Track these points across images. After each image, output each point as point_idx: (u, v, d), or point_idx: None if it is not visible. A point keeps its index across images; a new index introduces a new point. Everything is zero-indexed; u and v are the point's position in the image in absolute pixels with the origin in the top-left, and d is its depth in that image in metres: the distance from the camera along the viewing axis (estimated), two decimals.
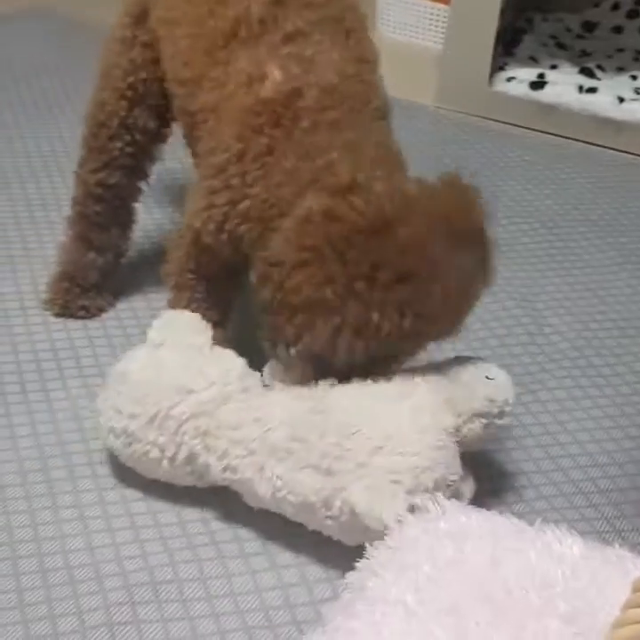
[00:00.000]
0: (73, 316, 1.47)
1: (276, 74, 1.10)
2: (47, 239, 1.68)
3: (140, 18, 1.34)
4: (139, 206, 1.51)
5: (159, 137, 1.44)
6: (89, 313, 1.47)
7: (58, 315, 1.47)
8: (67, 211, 1.75)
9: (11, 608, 0.99)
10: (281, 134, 1.08)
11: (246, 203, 1.09)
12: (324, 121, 1.08)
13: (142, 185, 1.48)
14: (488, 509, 0.95)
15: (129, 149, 1.41)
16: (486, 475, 1.20)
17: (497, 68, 2.29)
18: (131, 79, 1.37)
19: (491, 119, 2.23)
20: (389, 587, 0.83)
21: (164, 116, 1.39)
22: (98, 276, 1.48)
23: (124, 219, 1.49)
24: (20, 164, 1.94)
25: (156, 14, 1.29)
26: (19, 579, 1.02)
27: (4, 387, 1.31)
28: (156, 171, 1.53)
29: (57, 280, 1.49)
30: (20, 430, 1.23)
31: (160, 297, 1.37)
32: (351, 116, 1.10)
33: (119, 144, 1.40)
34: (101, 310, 1.48)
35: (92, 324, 1.46)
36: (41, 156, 1.98)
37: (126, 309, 1.50)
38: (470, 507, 0.94)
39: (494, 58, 2.24)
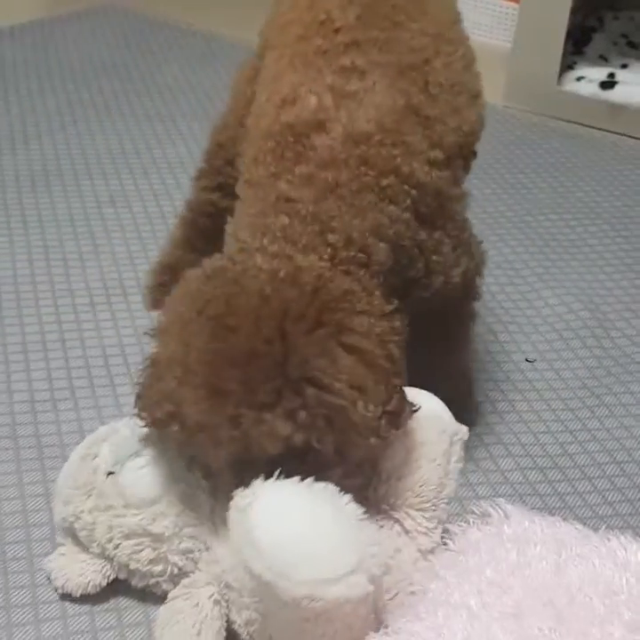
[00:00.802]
0: None
1: (311, 100, 1.02)
2: (116, 236, 1.71)
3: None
4: None
5: None
6: None
7: (154, 308, 1.45)
8: (136, 208, 1.80)
9: None
10: (274, 169, 0.99)
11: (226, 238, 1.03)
12: (320, 178, 0.97)
13: None
14: (552, 515, 0.95)
15: None
16: (549, 478, 1.20)
17: (566, 67, 2.26)
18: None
19: (559, 119, 2.21)
20: (452, 590, 0.83)
21: None
22: None
23: None
24: (91, 161, 1.97)
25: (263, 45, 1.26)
26: None
27: (72, 381, 1.34)
28: None
29: (158, 272, 1.50)
30: (87, 425, 1.25)
31: None
32: (350, 187, 0.97)
33: (234, 172, 1.24)
34: None
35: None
36: (110, 154, 2.01)
37: None
38: (534, 512, 0.93)
39: (563, 57, 2.22)
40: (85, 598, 1.01)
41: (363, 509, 0.87)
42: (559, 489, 1.19)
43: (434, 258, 1.05)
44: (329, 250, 0.94)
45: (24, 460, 1.19)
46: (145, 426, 0.96)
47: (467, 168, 1.14)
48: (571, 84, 2.24)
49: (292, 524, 0.83)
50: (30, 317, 1.47)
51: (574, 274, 1.63)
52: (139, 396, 0.97)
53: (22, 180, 1.88)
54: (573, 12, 2.17)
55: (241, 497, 0.84)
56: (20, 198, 1.82)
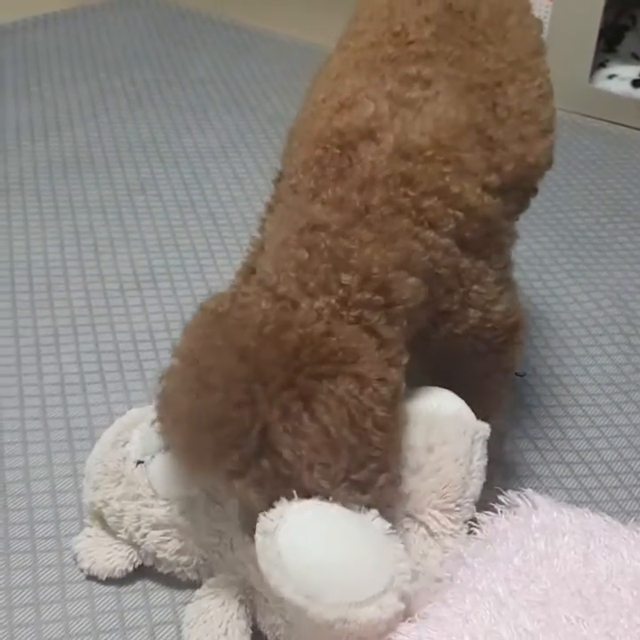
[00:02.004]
0: None
1: (368, 107, 0.97)
2: (146, 223, 1.72)
3: None
4: None
5: None
6: None
7: None
8: (166, 196, 1.81)
9: None
10: (314, 185, 0.94)
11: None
12: (351, 201, 0.91)
13: None
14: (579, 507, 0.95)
15: None
16: (576, 473, 1.20)
17: (598, 65, 2.25)
18: None
19: (590, 116, 2.20)
20: (479, 577, 0.83)
21: None
22: None
23: None
24: (122, 149, 1.98)
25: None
26: None
27: (102, 365, 1.35)
28: None
29: (244, 273, 1.47)
30: (116, 408, 1.26)
31: None
32: (381, 211, 0.91)
33: None
34: None
35: (189, 308, 1.49)
36: (141, 142, 2.02)
37: None
38: (562, 503, 0.93)
39: (596, 55, 2.21)
40: (112, 578, 1.02)
41: (389, 524, 0.86)
42: (585, 484, 1.19)
43: (474, 287, 0.97)
44: (341, 291, 0.87)
45: (53, 442, 1.20)
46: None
47: (524, 203, 1.09)
48: (602, 82, 2.23)
49: (321, 546, 0.82)
50: (61, 301, 1.48)
51: (604, 271, 1.63)
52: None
53: (54, 166, 1.90)
54: (606, 10, 2.16)
55: (267, 520, 0.82)
56: (53, 185, 1.83)
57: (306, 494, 0.83)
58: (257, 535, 0.83)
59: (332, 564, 0.81)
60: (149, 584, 1.02)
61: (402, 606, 0.82)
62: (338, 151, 0.95)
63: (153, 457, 0.99)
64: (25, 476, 1.14)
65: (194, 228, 1.71)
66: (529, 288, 1.57)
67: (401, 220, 0.91)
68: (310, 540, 0.82)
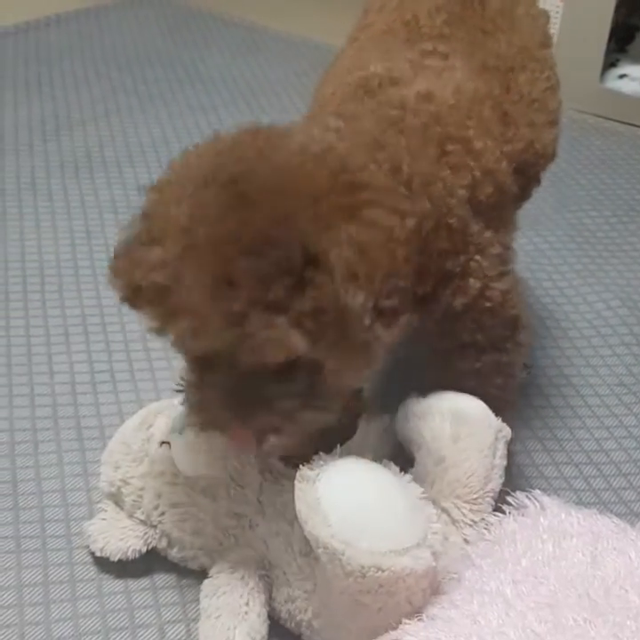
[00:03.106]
0: None
1: (386, 64, 0.99)
2: None
3: None
4: None
5: None
6: None
7: None
8: None
9: None
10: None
11: None
12: (387, 114, 0.92)
13: None
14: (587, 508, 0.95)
15: None
16: (585, 474, 1.20)
17: (609, 64, 2.25)
18: None
19: (601, 116, 2.20)
20: (488, 578, 0.84)
21: None
22: None
23: None
24: (133, 149, 1.99)
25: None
26: None
27: (112, 365, 1.36)
28: None
29: None
30: (126, 407, 1.26)
31: None
32: (415, 132, 0.92)
33: None
34: None
35: None
36: (153, 142, 2.02)
37: None
38: (570, 504, 0.93)
39: (606, 55, 2.21)
40: (122, 577, 1.03)
41: (422, 488, 0.89)
42: (594, 485, 1.19)
43: (477, 257, 0.97)
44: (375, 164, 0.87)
45: (64, 441, 1.21)
46: (118, 295, 0.87)
47: (527, 191, 1.09)
48: (613, 82, 2.23)
49: (360, 495, 0.84)
50: (72, 300, 1.49)
51: (613, 271, 1.63)
52: (116, 256, 0.87)
53: (66, 166, 1.91)
54: (617, 9, 2.16)
55: (308, 468, 0.85)
56: (64, 184, 1.84)
57: (339, 334, 0.79)
58: (296, 482, 0.85)
59: (370, 512, 0.83)
60: (159, 582, 1.02)
61: (433, 563, 0.83)
62: (363, 89, 0.96)
63: (180, 434, 1.00)
64: (36, 475, 1.15)
65: None
66: (538, 288, 1.57)
67: (432, 149, 0.92)
68: (350, 489, 0.85)
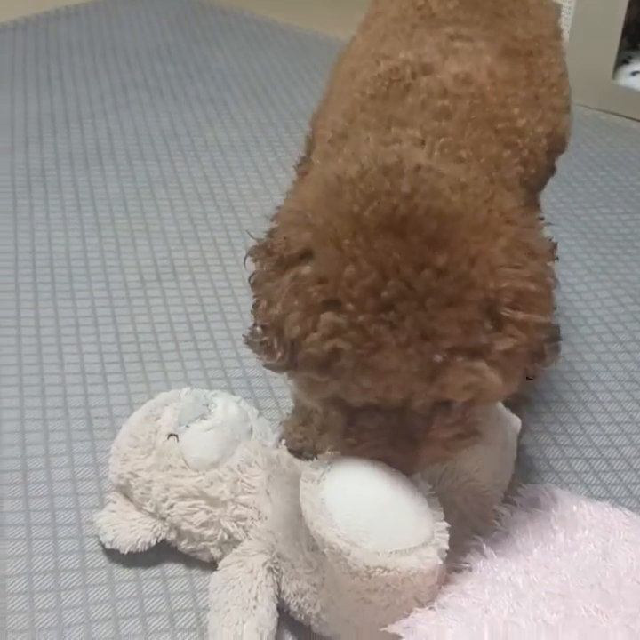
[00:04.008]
0: None
1: (415, 51, 0.98)
2: (166, 216, 1.72)
3: None
4: None
5: None
6: None
7: None
8: (187, 189, 1.81)
9: None
10: (377, 107, 0.94)
11: None
12: (436, 105, 0.91)
13: None
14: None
15: None
16: (595, 469, 1.19)
17: (621, 61, 2.24)
18: None
19: (613, 113, 2.19)
20: (499, 568, 0.83)
21: None
22: None
23: None
24: (143, 142, 1.99)
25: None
26: None
27: (122, 356, 1.35)
28: None
29: None
30: (136, 398, 1.26)
31: None
32: (469, 116, 0.92)
33: None
34: None
35: (209, 300, 1.49)
36: (162, 135, 2.02)
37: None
38: (582, 497, 0.93)
39: (619, 51, 2.20)
40: (132, 565, 1.03)
41: (431, 485, 0.88)
42: (605, 479, 1.18)
43: None
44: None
45: (74, 431, 1.21)
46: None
47: (543, 179, 1.09)
48: (625, 79, 2.22)
49: (366, 494, 0.83)
50: (82, 292, 1.49)
51: (625, 268, 1.62)
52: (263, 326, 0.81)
53: (76, 158, 1.91)
54: (630, 7, 2.15)
55: (313, 467, 0.85)
56: (74, 177, 1.84)
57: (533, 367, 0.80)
58: (302, 482, 0.85)
59: (375, 511, 0.82)
60: (169, 571, 1.02)
61: (440, 562, 0.83)
62: (396, 79, 0.94)
63: (187, 427, 1.00)
64: (46, 464, 1.15)
65: (214, 222, 1.71)
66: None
67: (487, 131, 0.91)
68: (355, 488, 0.84)
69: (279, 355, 0.79)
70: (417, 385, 0.76)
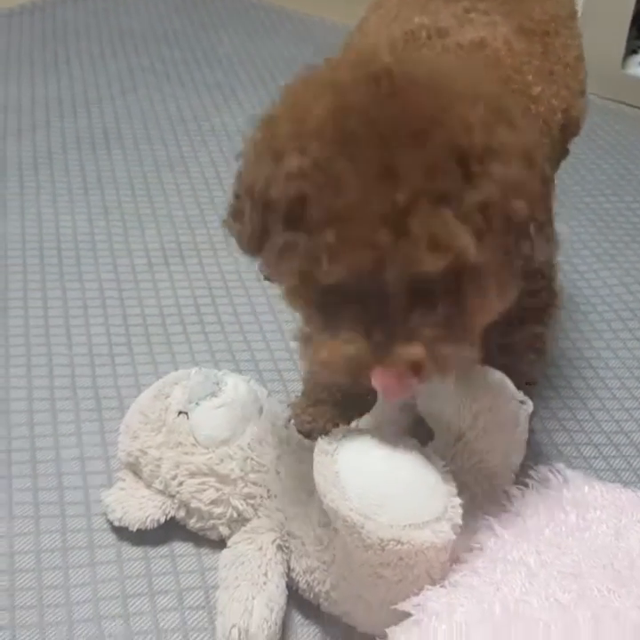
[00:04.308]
0: None
1: (430, 18, 0.97)
2: (174, 200, 1.72)
3: None
4: None
5: None
6: None
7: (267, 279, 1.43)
8: (194, 173, 1.81)
9: None
10: None
11: None
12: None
13: None
14: None
15: None
16: (604, 454, 1.19)
17: (631, 51, 2.24)
18: None
19: (622, 102, 2.19)
20: (510, 548, 0.83)
21: None
22: None
23: None
24: (150, 126, 1.98)
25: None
26: None
27: (130, 337, 1.35)
28: None
29: None
30: (144, 379, 1.26)
31: None
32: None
33: None
34: None
35: (217, 283, 1.49)
36: (169, 120, 2.02)
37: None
38: (594, 478, 0.93)
39: (628, 41, 2.19)
40: (140, 543, 1.03)
41: (444, 461, 0.88)
42: (614, 465, 1.18)
43: None
44: None
45: (83, 411, 1.21)
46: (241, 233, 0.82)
47: (556, 162, 1.07)
48: (635, 69, 2.21)
49: (380, 467, 0.83)
50: (90, 274, 1.49)
51: (634, 255, 1.61)
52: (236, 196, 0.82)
53: (83, 142, 1.90)
54: None
55: (327, 441, 0.85)
56: (81, 160, 1.83)
57: (501, 242, 0.75)
58: (315, 455, 0.84)
59: (390, 485, 0.82)
60: (178, 550, 1.02)
61: (453, 537, 0.83)
62: (411, 40, 0.93)
63: (197, 405, 1.00)
64: (54, 443, 1.15)
65: (222, 206, 1.69)
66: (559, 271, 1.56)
67: (499, 85, 0.88)
68: (369, 462, 0.84)
69: (253, 222, 0.79)
70: (382, 236, 0.72)
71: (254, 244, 0.81)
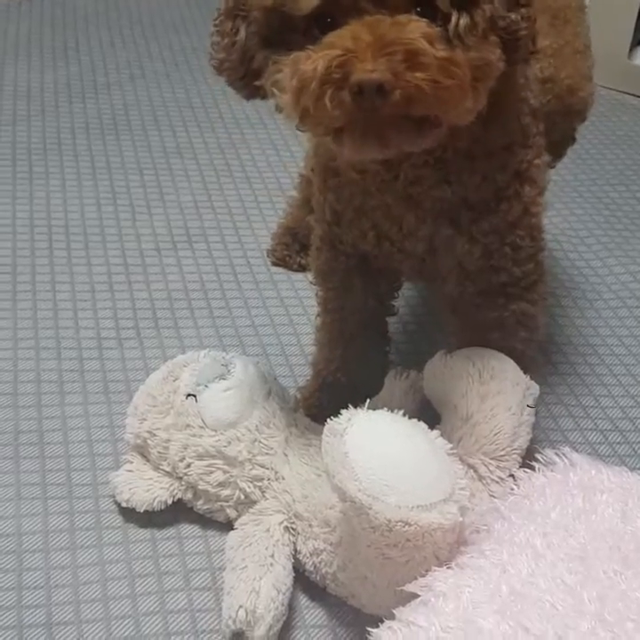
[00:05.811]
0: (289, 268, 1.48)
1: None
2: (182, 185, 1.72)
3: None
4: None
5: None
6: (304, 270, 1.46)
7: (275, 264, 1.49)
8: (202, 160, 1.81)
9: None
10: None
11: None
12: None
13: None
14: None
15: None
16: (610, 440, 1.19)
17: (637, 42, 2.23)
18: None
19: (629, 93, 2.18)
20: (517, 530, 0.83)
21: None
22: None
23: None
24: (158, 113, 1.98)
25: None
26: None
27: (137, 322, 1.36)
28: None
29: (280, 233, 1.51)
30: (152, 363, 1.27)
31: None
32: None
33: None
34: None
35: (224, 268, 1.49)
36: (178, 106, 2.02)
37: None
38: (600, 461, 0.93)
39: (635, 32, 2.19)
40: (147, 525, 1.03)
41: (451, 444, 0.88)
42: (619, 451, 1.18)
43: (535, 162, 0.95)
44: None
45: (90, 394, 1.21)
46: None
47: (560, 149, 1.09)
48: None
49: (388, 449, 0.84)
50: (98, 259, 1.49)
51: None
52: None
53: (92, 128, 1.91)
54: None
55: (336, 422, 0.85)
56: (90, 146, 1.84)
57: None
58: (324, 436, 0.85)
59: (398, 466, 0.82)
60: (184, 532, 1.03)
61: (461, 518, 0.83)
62: None
63: (206, 387, 1.00)
64: (62, 425, 1.16)
65: (230, 191, 1.71)
66: (564, 259, 1.56)
67: None
68: (377, 443, 0.84)
69: (240, 35, 0.81)
70: None
71: (240, 59, 0.83)
